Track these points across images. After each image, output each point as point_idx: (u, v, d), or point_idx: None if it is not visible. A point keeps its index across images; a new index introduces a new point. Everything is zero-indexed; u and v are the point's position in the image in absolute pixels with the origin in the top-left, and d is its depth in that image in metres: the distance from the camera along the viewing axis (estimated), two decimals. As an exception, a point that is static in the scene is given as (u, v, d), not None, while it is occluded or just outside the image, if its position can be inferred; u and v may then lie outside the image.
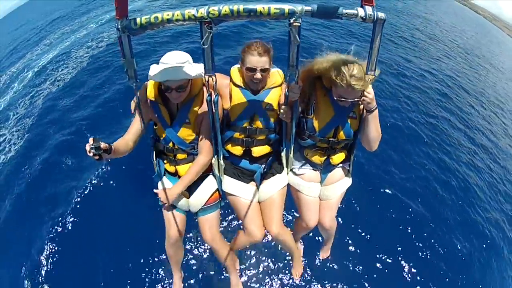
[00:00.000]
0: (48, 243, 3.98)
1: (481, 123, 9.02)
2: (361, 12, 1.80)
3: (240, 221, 2.87)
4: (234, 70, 2.45)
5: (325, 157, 2.59)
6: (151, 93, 2.35)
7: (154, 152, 2.65)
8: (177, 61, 2.15)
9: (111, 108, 6.53)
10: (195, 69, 2.17)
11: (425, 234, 4.66)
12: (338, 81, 2.10)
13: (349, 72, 2.06)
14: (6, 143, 6.23)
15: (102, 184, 4.68)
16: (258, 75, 2.26)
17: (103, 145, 1.96)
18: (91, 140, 1.91)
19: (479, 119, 9.23)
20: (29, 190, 4.88)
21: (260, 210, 2.77)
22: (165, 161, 2.64)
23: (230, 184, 2.68)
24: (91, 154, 1.89)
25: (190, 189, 2.64)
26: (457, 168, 6.39)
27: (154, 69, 2.16)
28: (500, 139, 8.74)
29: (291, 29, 1.85)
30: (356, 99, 2.17)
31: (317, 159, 2.60)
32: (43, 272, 3.75)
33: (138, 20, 1.81)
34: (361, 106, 2.34)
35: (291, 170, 2.73)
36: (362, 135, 2.42)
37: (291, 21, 1.82)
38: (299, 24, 1.83)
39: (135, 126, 2.40)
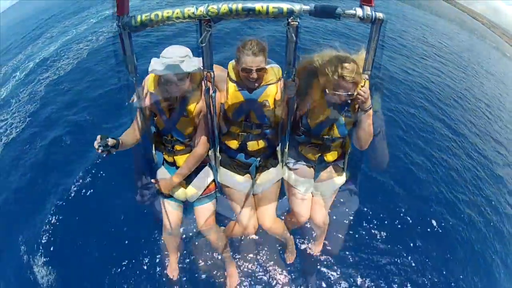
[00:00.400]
0: (49, 217, 3.91)
1: (464, 116, 8.87)
2: (359, 12, 1.73)
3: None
4: (231, 65, 2.37)
5: (319, 154, 2.54)
6: (151, 85, 2.30)
7: (153, 143, 2.61)
8: (178, 55, 2.08)
9: (111, 93, 6.40)
10: (194, 63, 2.11)
11: (398, 209, 4.55)
12: (330, 72, 2.05)
13: (340, 64, 2.02)
14: (8, 126, 6.11)
15: (101, 169, 4.56)
16: (254, 75, 2.17)
17: (110, 141, 2.00)
18: (98, 138, 1.93)
19: (462, 112, 9.07)
20: (31, 170, 4.78)
21: (254, 202, 2.74)
22: (164, 152, 2.60)
23: (226, 176, 2.64)
24: (99, 151, 1.91)
25: (187, 179, 2.61)
26: (432, 154, 6.22)
27: (154, 63, 2.10)
28: (482, 131, 8.63)
29: (289, 28, 1.78)
30: (349, 93, 2.09)
31: (311, 155, 2.55)
32: (41, 245, 3.67)
33: (138, 17, 1.75)
34: (357, 106, 2.27)
35: (286, 165, 2.68)
36: (354, 134, 2.38)
37: (289, 20, 1.75)
38: (297, 23, 1.76)
39: (140, 118, 2.38)
